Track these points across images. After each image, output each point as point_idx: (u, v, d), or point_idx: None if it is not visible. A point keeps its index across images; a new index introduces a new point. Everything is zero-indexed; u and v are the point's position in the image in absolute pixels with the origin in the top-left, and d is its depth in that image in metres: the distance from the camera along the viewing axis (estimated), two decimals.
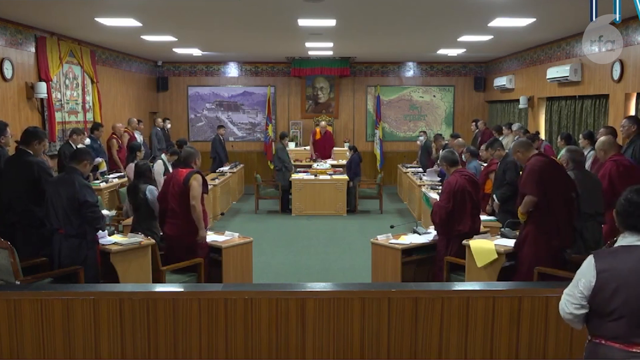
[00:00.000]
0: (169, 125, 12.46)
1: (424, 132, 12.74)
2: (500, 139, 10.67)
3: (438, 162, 8.61)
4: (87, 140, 8.70)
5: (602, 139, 5.56)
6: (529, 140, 5.26)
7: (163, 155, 8.30)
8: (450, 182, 5.36)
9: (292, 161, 11.23)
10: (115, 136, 9.90)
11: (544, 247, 4.68)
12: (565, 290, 2.53)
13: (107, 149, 9.70)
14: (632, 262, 2.37)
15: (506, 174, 6.20)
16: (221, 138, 12.09)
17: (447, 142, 10.06)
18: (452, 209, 5.22)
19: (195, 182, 5.33)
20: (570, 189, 4.80)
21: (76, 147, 8.24)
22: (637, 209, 2.41)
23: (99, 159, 8.62)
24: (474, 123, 12.55)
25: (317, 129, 12.86)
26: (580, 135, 7.70)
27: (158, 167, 7.85)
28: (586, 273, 2.44)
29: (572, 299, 2.48)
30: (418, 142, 12.21)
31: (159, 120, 12.09)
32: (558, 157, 7.95)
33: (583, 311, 2.46)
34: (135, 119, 10.78)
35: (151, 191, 5.58)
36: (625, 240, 2.45)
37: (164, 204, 5.42)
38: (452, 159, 5.50)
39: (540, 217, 4.67)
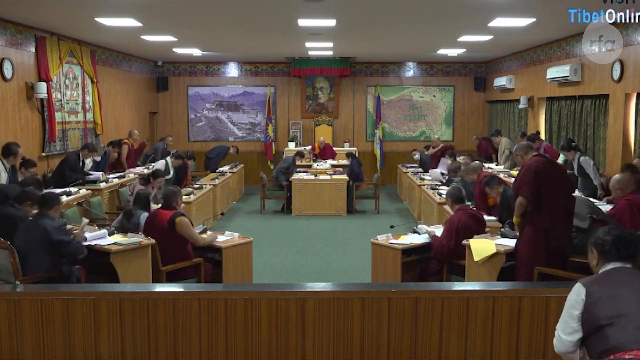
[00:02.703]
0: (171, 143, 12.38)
1: (416, 150, 12.39)
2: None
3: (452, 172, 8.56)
4: (98, 158, 8.74)
5: (617, 176, 5.49)
6: (529, 143, 5.30)
7: (168, 158, 8.42)
8: (453, 220, 5.33)
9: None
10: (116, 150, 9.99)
11: (542, 247, 4.69)
12: (557, 327, 2.58)
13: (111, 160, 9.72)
14: (621, 275, 2.47)
15: (512, 207, 6.19)
16: (229, 152, 12.07)
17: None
18: (454, 246, 5.17)
19: (184, 224, 5.23)
20: (568, 189, 4.80)
21: (83, 161, 8.29)
22: (613, 245, 2.56)
23: (99, 175, 8.58)
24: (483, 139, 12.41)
25: (316, 144, 12.84)
26: (561, 148, 7.85)
27: (160, 165, 7.94)
28: (574, 296, 2.51)
29: (565, 326, 2.52)
30: (415, 157, 12.12)
31: (170, 139, 11.82)
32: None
33: (577, 335, 2.48)
34: (136, 131, 10.82)
35: (145, 219, 5.55)
36: (606, 267, 2.56)
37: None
38: (457, 196, 5.48)
39: (537, 215, 4.68)
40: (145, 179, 7.29)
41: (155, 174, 7.42)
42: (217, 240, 5.60)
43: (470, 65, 13.95)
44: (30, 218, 4.82)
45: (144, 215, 5.62)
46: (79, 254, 4.69)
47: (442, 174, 9.59)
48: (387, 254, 5.49)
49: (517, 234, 5.26)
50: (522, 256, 4.78)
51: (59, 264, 4.64)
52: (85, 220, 5.30)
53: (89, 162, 8.65)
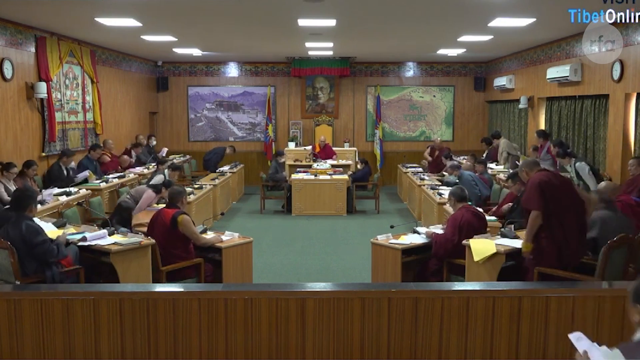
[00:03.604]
0: (154, 142, 12.45)
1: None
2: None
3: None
4: (73, 163, 8.71)
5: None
6: (535, 160, 5.31)
7: (166, 171, 8.29)
8: (456, 216, 5.42)
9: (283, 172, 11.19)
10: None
11: (554, 258, 4.64)
12: None
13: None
14: None
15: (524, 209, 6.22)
16: (225, 153, 12.13)
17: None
18: (457, 242, 5.22)
19: (186, 222, 5.24)
20: (578, 203, 4.71)
21: (66, 168, 8.25)
22: None
23: (86, 173, 8.57)
24: (483, 142, 12.31)
25: (317, 144, 12.88)
26: (556, 154, 7.87)
27: (158, 179, 7.90)
28: None
29: None
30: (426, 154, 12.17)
31: (141, 137, 12.07)
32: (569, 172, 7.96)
33: None
34: (110, 141, 10.59)
35: (122, 233, 5.52)
36: None
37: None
38: (460, 195, 5.60)
39: (550, 229, 4.62)
40: (157, 188, 7.18)
41: (167, 184, 7.34)
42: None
43: (470, 65, 13.95)
44: (13, 220, 4.65)
45: (122, 230, 5.58)
46: (51, 256, 4.59)
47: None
48: (387, 254, 5.49)
49: (517, 234, 5.28)
50: (532, 261, 4.77)
51: (42, 268, 4.59)
52: (68, 230, 5.19)
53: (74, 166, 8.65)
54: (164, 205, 5.88)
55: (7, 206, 5.18)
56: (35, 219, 4.91)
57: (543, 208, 4.60)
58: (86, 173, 8.51)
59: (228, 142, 13.27)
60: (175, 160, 12.25)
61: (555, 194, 4.63)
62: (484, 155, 11.53)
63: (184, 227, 5.24)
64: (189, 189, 8.38)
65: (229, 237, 5.71)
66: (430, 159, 11.88)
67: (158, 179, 7.94)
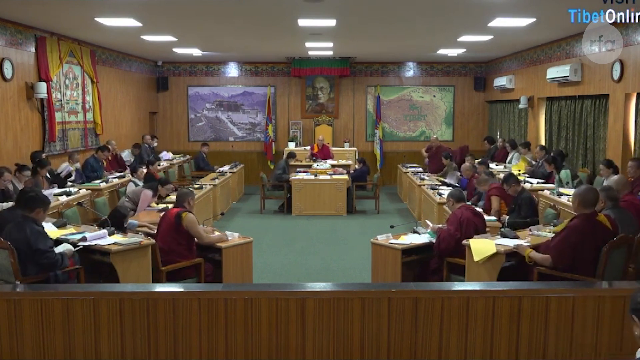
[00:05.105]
0: (155, 143, 12.46)
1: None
2: (512, 154, 10.63)
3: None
4: (65, 165, 8.64)
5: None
6: (595, 199, 4.53)
7: (134, 180, 8.14)
8: (456, 214, 5.51)
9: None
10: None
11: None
12: None
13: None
14: None
15: (522, 210, 6.26)
16: (207, 155, 12.38)
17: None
18: (460, 237, 5.26)
19: (190, 219, 5.28)
20: (606, 244, 4.46)
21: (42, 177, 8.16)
22: None
23: (70, 167, 8.56)
24: (486, 141, 12.40)
25: (315, 144, 12.90)
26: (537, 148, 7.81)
27: (131, 187, 7.87)
28: None
29: None
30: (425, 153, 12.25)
31: (147, 137, 12.20)
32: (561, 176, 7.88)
33: None
34: (113, 141, 10.54)
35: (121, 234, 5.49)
36: None
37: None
38: (459, 196, 5.74)
39: (573, 266, 4.53)
40: (153, 187, 7.16)
41: (163, 181, 7.40)
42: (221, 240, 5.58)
43: (470, 65, 13.95)
44: (18, 221, 4.58)
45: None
46: (54, 267, 4.53)
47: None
48: (387, 254, 5.49)
49: (517, 234, 5.28)
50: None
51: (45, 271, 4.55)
52: (71, 249, 5.14)
53: (65, 166, 8.62)
54: (165, 205, 5.88)
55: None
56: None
57: (569, 265, 4.47)
58: (70, 167, 8.50)
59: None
60: (175, 160, 12.32)
61: (586, 244, 4.43)
62: (487, 154, 11.53)
63: (188, 223, 5.26)
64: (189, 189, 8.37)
65: (229, 237, 5.71)
66: (426, 154, 11.95)
67: (131, 185, 7.88)
